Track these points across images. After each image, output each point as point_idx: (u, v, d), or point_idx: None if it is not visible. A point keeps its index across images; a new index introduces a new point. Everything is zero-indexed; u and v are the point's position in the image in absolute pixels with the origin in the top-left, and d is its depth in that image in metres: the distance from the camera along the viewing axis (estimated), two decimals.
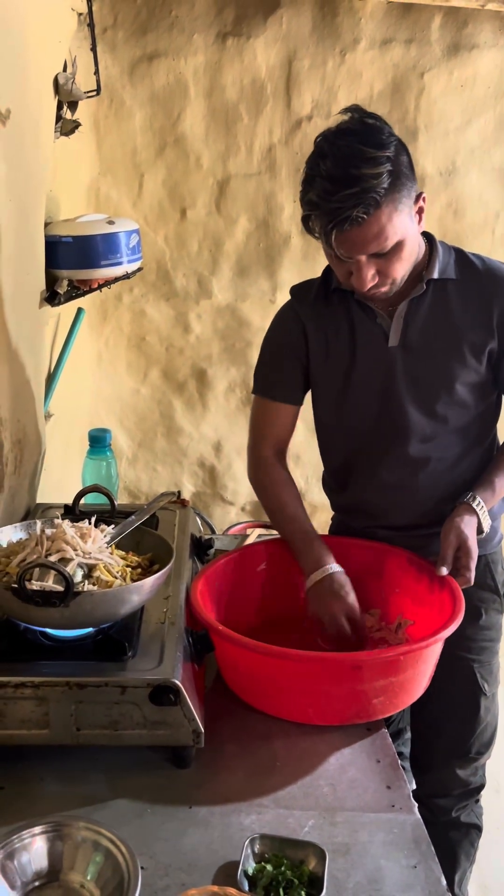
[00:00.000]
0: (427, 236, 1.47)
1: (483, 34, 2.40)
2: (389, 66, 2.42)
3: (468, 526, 1.38)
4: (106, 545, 1.24)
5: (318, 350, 1.52)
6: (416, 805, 1.67)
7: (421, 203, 1.35)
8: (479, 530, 1.41)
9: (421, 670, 1.26)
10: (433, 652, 1.27)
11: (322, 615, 1.38)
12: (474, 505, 1.41)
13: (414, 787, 1.71)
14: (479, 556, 1.40)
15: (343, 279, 1.39)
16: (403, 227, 1.30)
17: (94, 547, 1.21)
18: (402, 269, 1.36)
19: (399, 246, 1.32)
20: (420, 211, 1.36)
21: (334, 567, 1.40)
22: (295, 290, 1.57)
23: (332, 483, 1.64)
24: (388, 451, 1.50)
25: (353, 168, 1.23)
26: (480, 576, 1.47)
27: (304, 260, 2.51)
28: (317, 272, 1.57)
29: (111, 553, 1.24)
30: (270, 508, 1.56)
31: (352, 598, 1.38)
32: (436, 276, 1.42)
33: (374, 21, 2.36)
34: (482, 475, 1.48)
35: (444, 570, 1.35)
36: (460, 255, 1.47)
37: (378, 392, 1.48)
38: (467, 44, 2.40)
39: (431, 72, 2.43)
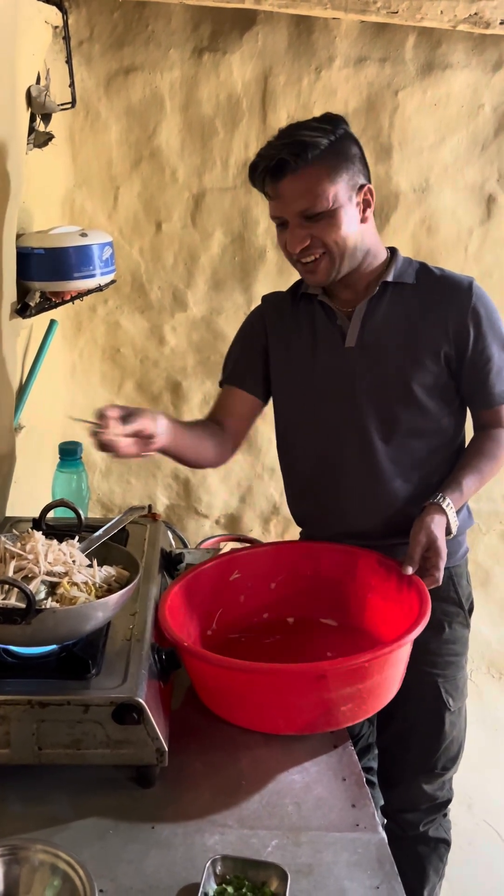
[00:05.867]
0: (391, 250, 1.53)
1: (456, 54, 2.43)
2: (364, 84, 2.44)
3: (437, 526, 1.38)
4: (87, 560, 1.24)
5: (280, 353, 1.56)
6: (384, 821, 1.68)
7: (366, 195, 1.41)
8: (448, 531, 1.41)
9: (389, 675, 1.25)
10: (401, 655, 1.26)
11: None
12: (444, 505, 1.41)
13: (382, 802, 1.70)
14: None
15: (284, 248, 1.44)
16: (336, 198, 1.37)
17: (79, 564, 1.20)
18: (334, 237, 1.39)
19: (331, 215, 1.37)
20: (365, 203, 1.41)
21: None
22: (265, 297, 1.64)
23: (298, 494, 1.64)
24: (349, 454, 1.51)
25: (297, 129, 1.39)
26: (444, 589, 1.47)
27: (279, 274, 2.52)
28: None
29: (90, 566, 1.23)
30: None
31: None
32: (391, 279, 1.47)
33: (348, 40, 2.39)
34: (450, 476, 1.48)
35: (410, 570, 1.35)
36: (422, 266, 1.53)
37: (337, 393, 1.50)
38: (441, 63, 2.43)
39: (405, 90, 2.45)
